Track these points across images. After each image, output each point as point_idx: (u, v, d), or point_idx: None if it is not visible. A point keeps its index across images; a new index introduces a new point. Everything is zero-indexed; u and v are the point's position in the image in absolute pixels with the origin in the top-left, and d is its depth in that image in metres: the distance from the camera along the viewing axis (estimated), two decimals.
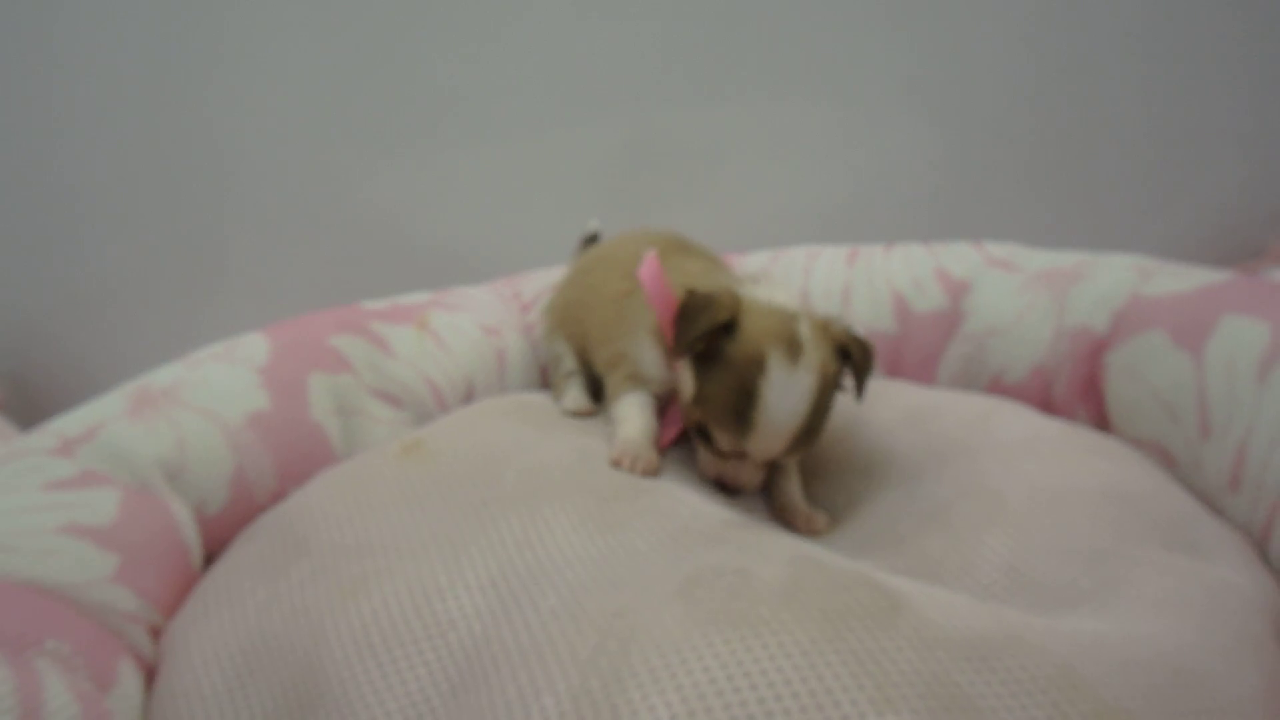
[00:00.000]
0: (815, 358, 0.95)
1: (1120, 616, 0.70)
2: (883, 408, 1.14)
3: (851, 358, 0.99)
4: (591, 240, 1.59)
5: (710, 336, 0.96)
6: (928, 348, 1.36)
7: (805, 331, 0.96)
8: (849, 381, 1.02)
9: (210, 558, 0.97)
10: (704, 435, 1.01)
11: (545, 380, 1.51)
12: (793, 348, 0.94)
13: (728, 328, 0.96)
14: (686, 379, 1.01)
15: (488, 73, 1.94)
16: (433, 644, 0.71)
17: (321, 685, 0.70)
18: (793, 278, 1.52)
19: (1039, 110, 2.07)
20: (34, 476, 0.86)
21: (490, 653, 0.68)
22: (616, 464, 0.99)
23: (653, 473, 0.99)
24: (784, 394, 0.93)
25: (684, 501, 0.90)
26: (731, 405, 0.95)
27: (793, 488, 1.07)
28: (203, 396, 1.04)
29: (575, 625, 0.67)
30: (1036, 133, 2.08)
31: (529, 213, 2.03)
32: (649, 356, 1.10)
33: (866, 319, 1.42)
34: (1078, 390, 1.15)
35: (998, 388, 1.24)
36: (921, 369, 1.36)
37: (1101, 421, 1.13)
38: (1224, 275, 1.07)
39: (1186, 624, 0.69)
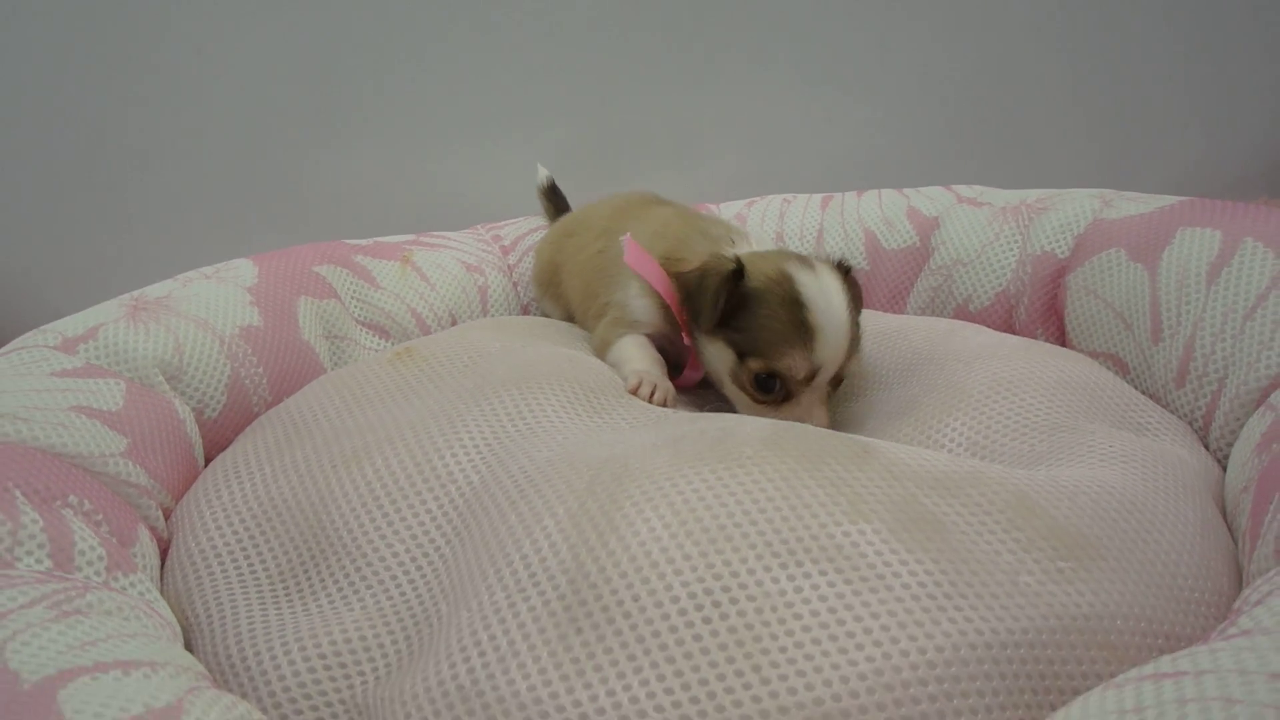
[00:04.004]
0: (824, 265, 1.03)
1: (1073, 468, 0.76)
2: None
3: (855, 283, 1.06)
4: (551, 191, 1.65)
5: (727, 295, 0.99)
6: (897, 282, 1.42)
7: (802, 255, 1.05)
8: None
9: (209, 462, 1.01)
10: (764, 386, 1.00)
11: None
12: (804, 263, 1.01)
13: (738, 276, 1.00)
14: (719, 352, 1.03)
15: (469, 41, 1.97)
16: (434, 495, 0.76)
17: (331, 537, 0.75)
18: (767, 222, 1.57)
19: (1001, 84, 2.12)
20: (41, 365, 0.89)
21: (490, 495, 0.73)
22: (634, 392, 1.00)
23: (671, 401, 1.02)
24: (825, 295, 0.98)
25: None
26: (788, 326, 0.98)
27: None
28: (196, 308, 1.07)
29: (570, 467, 0.72)
30: (998, 108, 2.13)
31: (509, 179, 2.06)
32: (639, 303, 1.13)
33: (837, 257, 1.47)
34: (1039, 312, 1.21)
35: (963, 315, 1.30)
36: (891, 302, 1.41)
37: (1060, 341, 1.18)
38: (1182, 199, 1.13)
39: (1132, 473, 0.74)
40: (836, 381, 1.03)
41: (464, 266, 1.49)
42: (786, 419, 0.95)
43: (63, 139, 1.90)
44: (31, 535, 0.67)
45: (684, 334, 1.08)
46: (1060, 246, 1.20)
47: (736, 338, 1.00)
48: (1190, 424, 0.94)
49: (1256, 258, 0.93)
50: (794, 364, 0.98)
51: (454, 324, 1.42)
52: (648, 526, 0.62)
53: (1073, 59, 2.13)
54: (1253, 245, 0.95)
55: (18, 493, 0.70)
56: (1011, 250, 1.26)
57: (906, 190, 1.51)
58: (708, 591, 0.58)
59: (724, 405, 1.06)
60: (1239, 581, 0.69)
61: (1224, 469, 0.87)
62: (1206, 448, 0.91)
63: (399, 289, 1.38)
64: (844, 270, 1.06)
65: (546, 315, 1.44)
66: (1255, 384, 0.86)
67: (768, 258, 1.03)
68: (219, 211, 1.99)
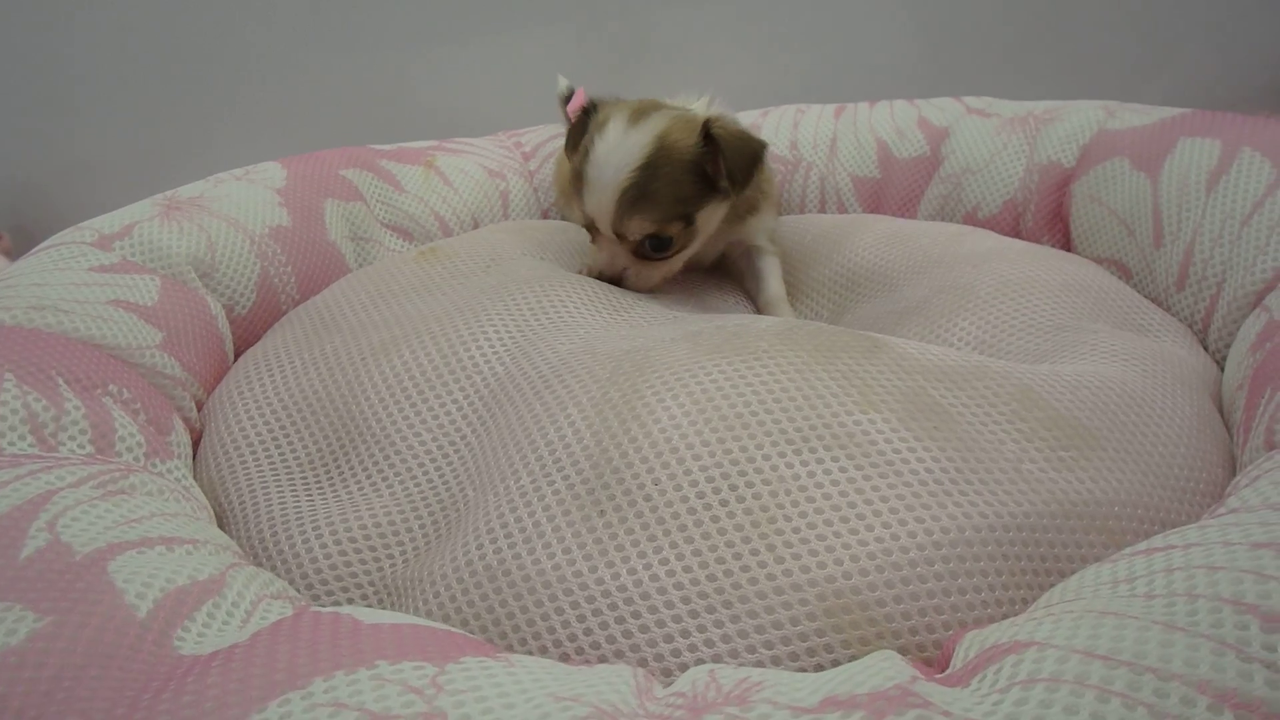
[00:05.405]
0: (658, 124, 1.01)
1: (1075, 364, 0.79)
2: (863, 233, 1.21)
3: (717, 142, 1.00)
4: (569, 98, 1.66)
5: (581, 133, 1.04)
6: (908, 190, 1.43)
7: (664, 114, 1.03)
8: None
9: (238, 357, 1.04)
10: (588, 225, 1.07)
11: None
12: (636, 117, 1.01)
13: (587, 115, 1.05)
14: None
15: None
16: (460, 385, 0.79)
17: (360, 426, 0.78)
18: (782, 131, 1.58)
19: None
20: (79, 261, 0.92)
21: (515, 385, 0.76)
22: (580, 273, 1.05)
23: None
24: (603, 148, 1.00)
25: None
26: (576, 172, 1.04)
27: (773, 285, 1.15)
28: (228, 207, 1.10)
29: (592, 358, 0.75)
30: (1005, 22, 2.13)
31: (528, 88, 2.07)
32: None
33: (851, 166, 1.48)
34: (1045, 220, 1.23)
35: (971, 222, 1.32)
36: (902, 209, 1.43)
37: (1065, 247, 1.21)
38: (1184, 110, 1.15)
39: (1132, 369, 0.78)
40: (661, 245, 1.04)
41: (486, 171, 1.52)
42: (598, 260, 1.06)
43: (92, 52, 1.92)
44: (74, 421, 0.70)
45: None
46: (1066, 156, 1.22)
47: None
48: (1190, 326, 0.97)
49: (1254, 166, 0.96)
50: (578, 209, 1.05)
51: (476, 227, 1.44)
52: (668, 414, 0.65)
53: None
54: (1250, 154, 0.97)
55: (60, 380, 0.73)
56: (1019, 159, 1.28)
57: (917, 101, 1.52)
58: (725, 475, 0.61)
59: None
60: (1233, 473, 0.73)
61: (1222, 369, 0.90)
62: (1205, 349, 0.94)
63: (422, 192, 1.40)
64: (705, 132, 1.01)
65: (566, 220, 1.46)
66: (1251, 287, 0.88)
67: (622, 105, 1.05)
68: (248, 117, 2.01)
